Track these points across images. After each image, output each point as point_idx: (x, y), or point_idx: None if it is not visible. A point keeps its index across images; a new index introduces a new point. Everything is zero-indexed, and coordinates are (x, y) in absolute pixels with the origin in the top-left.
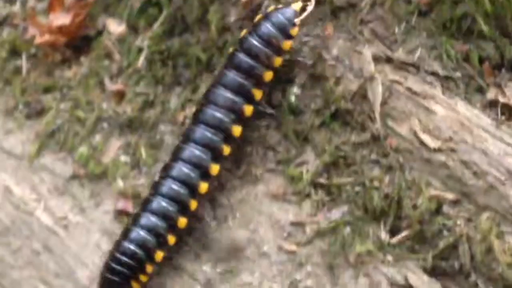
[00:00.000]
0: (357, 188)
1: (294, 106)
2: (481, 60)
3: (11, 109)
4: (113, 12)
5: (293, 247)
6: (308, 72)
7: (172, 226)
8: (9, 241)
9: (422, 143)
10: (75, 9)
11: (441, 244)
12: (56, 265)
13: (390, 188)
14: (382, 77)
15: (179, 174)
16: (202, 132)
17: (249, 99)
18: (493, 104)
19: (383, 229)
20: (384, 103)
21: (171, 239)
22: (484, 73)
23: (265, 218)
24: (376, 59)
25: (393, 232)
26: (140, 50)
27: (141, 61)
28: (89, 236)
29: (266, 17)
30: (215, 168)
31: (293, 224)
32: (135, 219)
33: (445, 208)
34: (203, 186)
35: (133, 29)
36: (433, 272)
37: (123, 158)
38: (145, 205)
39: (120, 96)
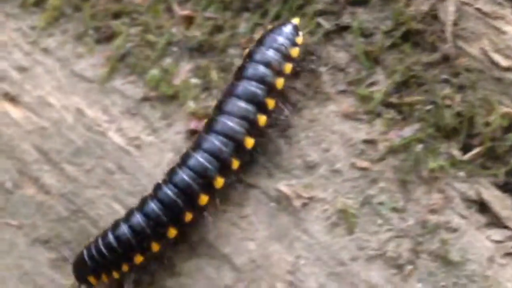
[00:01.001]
0: (429, 107)
1: (363, 28)
2: None
3: (81, 34)
4: None
5: (365, 164)
6: None
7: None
8: (83, 161)
9: (493, 62)
10: None
11: None
12: (129, 183)
13: (461, 106)
14: None
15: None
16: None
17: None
18: None
19: (455, 147)
20: (454, 24)
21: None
22: None
23: (337, 136)
24: None
25: (465, 149)
26: None
27: None
28: (162, 155)
29: (270, 31)
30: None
31: (365, 142)
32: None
33: None
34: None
35: None
36: (505, 188)
37: (194, 80)
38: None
39: (189, 21)
